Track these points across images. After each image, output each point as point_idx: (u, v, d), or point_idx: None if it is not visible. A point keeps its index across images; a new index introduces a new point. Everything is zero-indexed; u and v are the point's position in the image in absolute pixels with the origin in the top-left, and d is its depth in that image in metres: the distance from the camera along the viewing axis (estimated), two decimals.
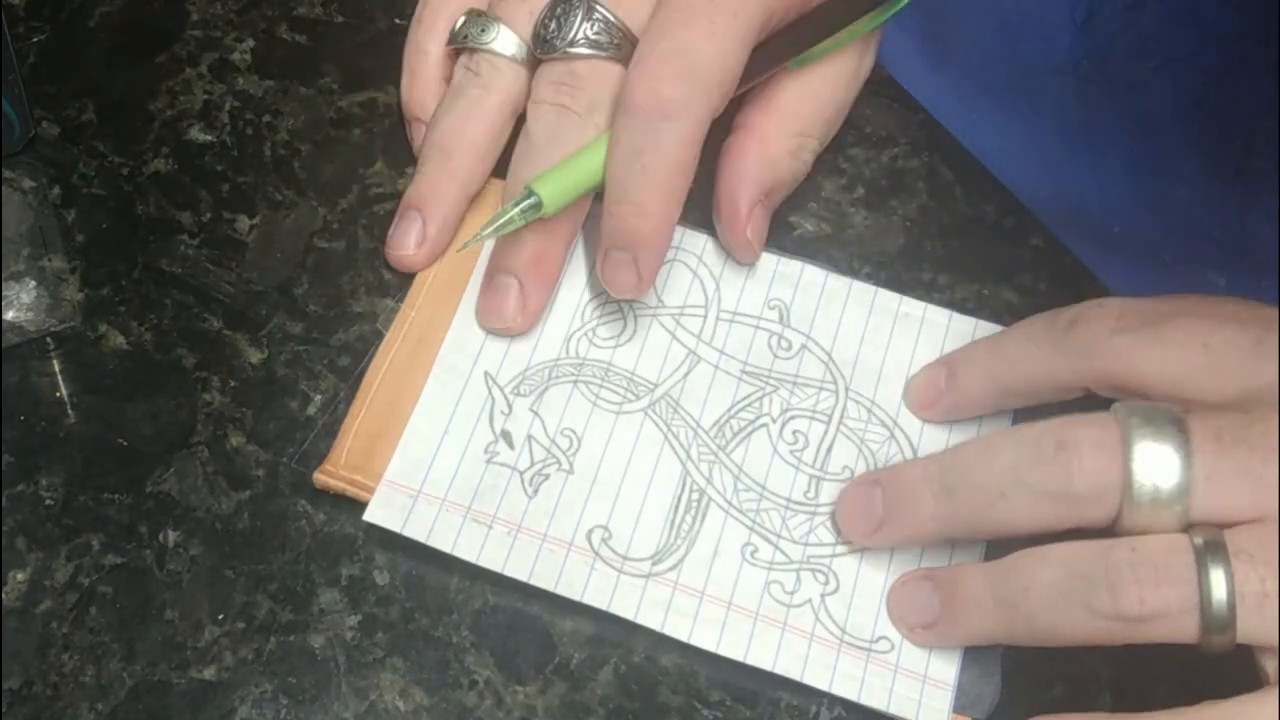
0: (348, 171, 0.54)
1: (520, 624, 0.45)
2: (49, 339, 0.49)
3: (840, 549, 0.46)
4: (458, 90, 0.50)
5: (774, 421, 0.48)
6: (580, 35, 0.47)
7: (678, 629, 0.44)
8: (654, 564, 0.45)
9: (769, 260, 0.51)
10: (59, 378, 0.48)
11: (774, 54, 0.48)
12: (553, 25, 0.47)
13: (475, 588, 0.45)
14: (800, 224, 0.53)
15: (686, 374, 0.49)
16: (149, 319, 0.50)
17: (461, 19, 0.51)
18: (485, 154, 0.50)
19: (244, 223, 0.52)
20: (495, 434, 0.47)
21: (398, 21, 0.58)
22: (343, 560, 0.46)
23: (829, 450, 0.48)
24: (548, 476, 0.47)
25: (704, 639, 0.44)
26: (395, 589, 0.45)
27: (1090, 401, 0.44)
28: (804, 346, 0.50)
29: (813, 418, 0.48)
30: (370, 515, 0.46)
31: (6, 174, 0.52)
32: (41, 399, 0.48)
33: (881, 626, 0.45)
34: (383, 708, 0.43)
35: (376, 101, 0.56)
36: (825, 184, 0.54)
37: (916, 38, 0.63)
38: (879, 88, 0.56)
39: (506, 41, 0.49)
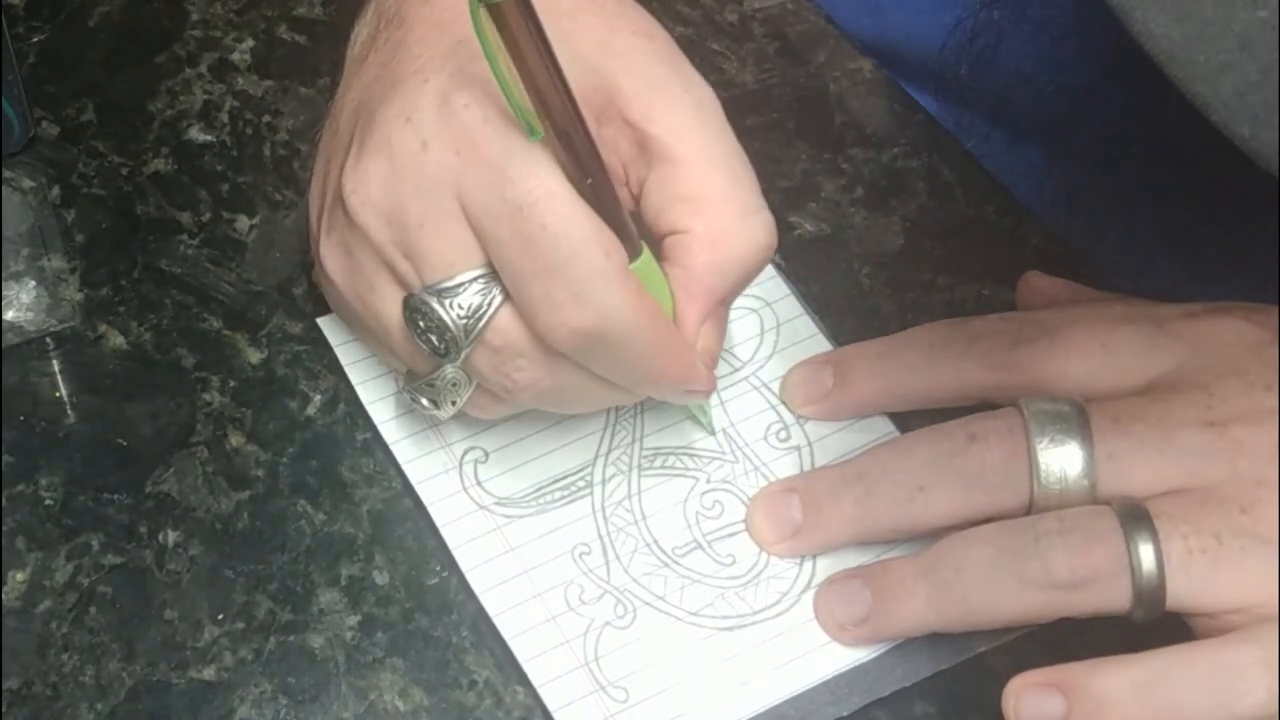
0: None
1: None
2: (49, 339, 0.49)
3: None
4: None
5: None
6: (460, 323, 0.41)
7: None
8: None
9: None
10: (59, 378, 0.48)
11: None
12: (434, 339, 0.41)
13: None
14: (800, 224, 0.53)
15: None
16: (149, 319, 0.50)
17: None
18: None
19: (244, 223, 0.52)
20: None
21: None
22: (342, 560, 0.46)
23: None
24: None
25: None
26: (395, 589, 0.45)
27: (981, 406, 0.46)
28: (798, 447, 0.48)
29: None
30: (324, 321, 0.49)
31: (6, 174, 0.52)
32: (41, 399, 0.48)
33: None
34: (382, 708, 0.43)
35: None
36: (825, 184, 0.54)
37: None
38: (879, 88, 0.56)
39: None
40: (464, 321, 0.41)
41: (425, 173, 0.40)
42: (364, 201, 0.41)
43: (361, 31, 0.47)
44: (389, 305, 0.42)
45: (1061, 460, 0.42)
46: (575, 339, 0.40)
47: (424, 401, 0.44)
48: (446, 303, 0.41)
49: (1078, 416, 0.43)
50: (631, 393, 0.43)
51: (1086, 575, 0.41)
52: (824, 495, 0.45)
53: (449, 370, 0.42)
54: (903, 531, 0.45)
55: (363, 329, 0.46)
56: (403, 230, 0.41)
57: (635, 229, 0.42)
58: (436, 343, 0.41)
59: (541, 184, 0.39)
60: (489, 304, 0.41)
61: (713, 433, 0.48)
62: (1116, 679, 0.40)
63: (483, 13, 0.36)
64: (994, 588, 0.42)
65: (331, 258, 0.44)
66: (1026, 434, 0.43)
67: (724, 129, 0.43)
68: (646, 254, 0.42)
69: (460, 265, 0.41)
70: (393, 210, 0.41)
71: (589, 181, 0.40)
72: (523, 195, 0.39)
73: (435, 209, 0.40)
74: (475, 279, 0.41)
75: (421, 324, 0.41)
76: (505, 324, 0.41)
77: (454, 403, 0.43)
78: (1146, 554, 0.40)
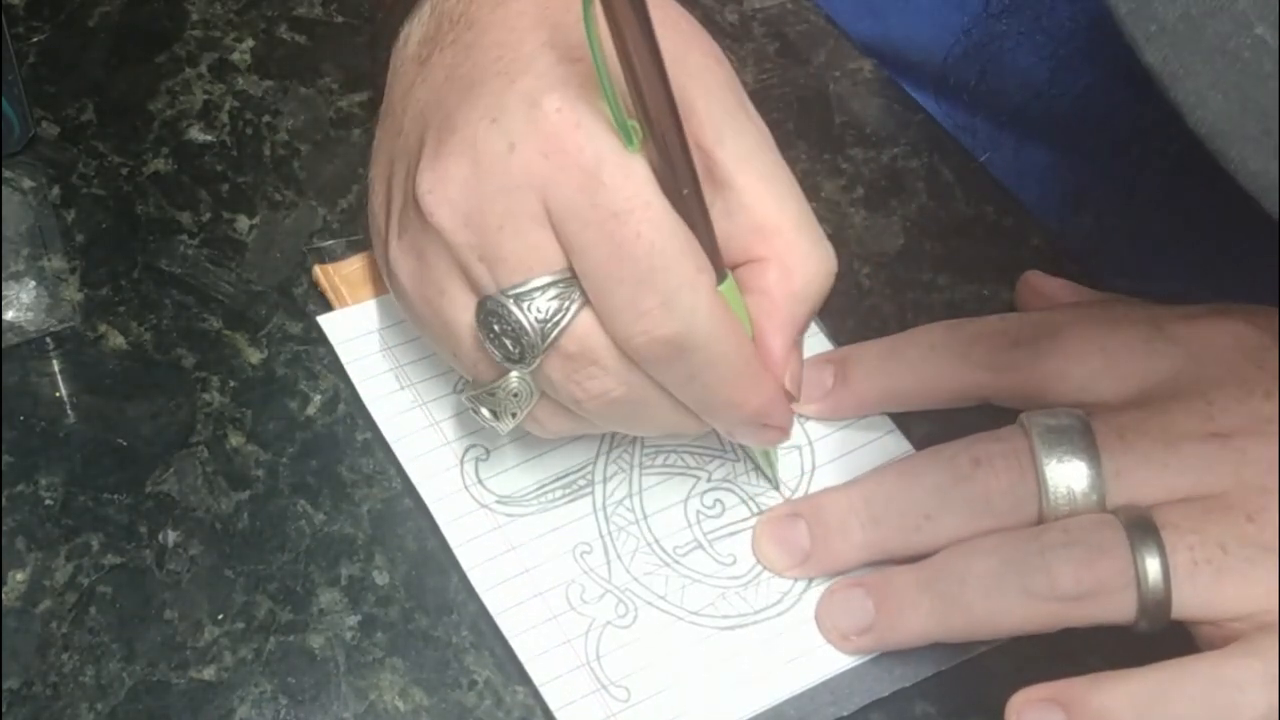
0: (347, 171, 0.54)
1: None
2: (49, 339, 0.49)
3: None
4: None
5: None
6: (537, 327, 0.40)
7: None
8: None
9: None
10: (59, 378, 0.48)
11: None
12: (508, 343, 0.40)
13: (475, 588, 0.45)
14: None
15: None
16: (149, 319, 0.50)
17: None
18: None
19: (244, 223, 0.52)
20: None
21: None
22: (342, 560, 0.46)
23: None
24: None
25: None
26: (395, 589, 0.45)
27: (984, 407, 0.46)
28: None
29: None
30: (325, 319, 0.49)
31: (6, 174, 0.52)
32: (41, 399, 0.48)
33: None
34: (383, 708, 0.43)
35: (377, 101, 0.56)
36: (825, 184, 0.54)
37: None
38: (879, 88, 0.56)
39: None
40: (541, 325, 0.40)
41: (510, 174, 0.39)
42: (441, 201, 0.40)
43: (415, 31, 0.45)
44: (459, 310, 0.41)
45: (1069, 478, 0.42)
46: (658, 347, 0.39)
47: (484, 412, 0.43)
48: (524, 305, 0.40)
49: (1083, 434, 0.42)
50: (699, 420, 0.42)
51: (1092, 588, 0.41)
52: (831, 524, 0.45)
53: (513, 379, 0.42)
54: (912, 555, 0.44)
55: (429, 336, 0.44)
56: (481, 232, 0.40)
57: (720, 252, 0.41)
58: (511, 347, 0.40)
59: (638, 192, 0.38)
60: (567, 309, 0.40)
61: (776, 486, 0.47)
62: (1117, 695, 0.40)
63: (595, 4, 0.36)
64: (998, 600, 0.41)
65: (403, 261, 0.43)
66: (1033, 454, 0.43)
67: (782, 162, 0.43)
68: (731, 280, 0.41)
69: (539, 269, 0.40)
70: (472, 211, 0.40)
71: (685, 192, 0.39)
72: (618, 202, 0.38)
73: (517, 211, 0.39)
74: (553, 283, 0.40)
75: (496, 328, 0.40)
76: (583, 330, 0.40)
77: (514, 414, 0.42)
78: (1153, 566, 0.40)
